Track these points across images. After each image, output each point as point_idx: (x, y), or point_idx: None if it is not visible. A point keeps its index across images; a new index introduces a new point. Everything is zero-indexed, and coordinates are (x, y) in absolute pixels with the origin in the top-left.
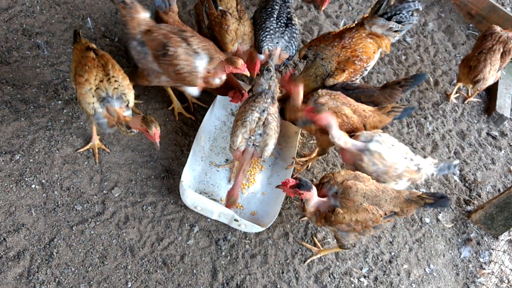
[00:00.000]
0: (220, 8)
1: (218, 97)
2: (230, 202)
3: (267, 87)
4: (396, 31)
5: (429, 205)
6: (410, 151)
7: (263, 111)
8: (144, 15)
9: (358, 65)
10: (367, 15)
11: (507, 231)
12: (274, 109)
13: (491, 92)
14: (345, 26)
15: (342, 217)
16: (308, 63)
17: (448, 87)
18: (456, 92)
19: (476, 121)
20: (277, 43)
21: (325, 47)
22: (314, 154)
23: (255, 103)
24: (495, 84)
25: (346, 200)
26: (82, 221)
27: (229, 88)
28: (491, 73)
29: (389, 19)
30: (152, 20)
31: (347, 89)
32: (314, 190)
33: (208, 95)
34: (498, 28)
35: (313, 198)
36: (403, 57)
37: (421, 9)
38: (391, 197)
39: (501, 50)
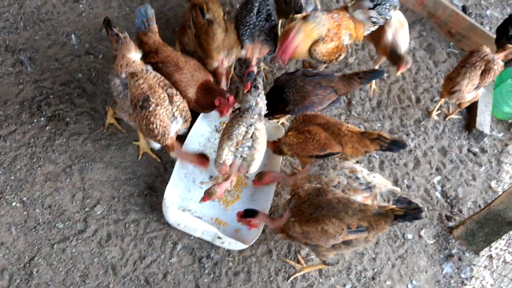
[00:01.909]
0: (207, 17)
1: (202, 114)
2: (208, 192)
3: (254, 104)
4: (373, 23)
5: (400, 218)
6: (361, 171)
7: (250, 125)
8: (135, 56)
9: (341, 42)
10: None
11: (488, 247)
12: (261, 125)
13: (471, 109)
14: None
15: (292, 225)
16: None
17: (429, 104)
18: (438, 109)
19: (457, 138)
20: (258, 36)
21: (316, 12)
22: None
23: (241, 118)
24: (475, 102)
25: (295, 211)
26: (64, 239)
27: (212, 100)
28: (468, 87)
29: (374, 6)
30: (142, 63)
31: (307, 75)
32: (261, 215)
33: (192, 113)
34: (487, 49)
35: (267, 222)
36: (385, 74)
37: (398, 7)
38: (354, 211)
39: (482, 67)
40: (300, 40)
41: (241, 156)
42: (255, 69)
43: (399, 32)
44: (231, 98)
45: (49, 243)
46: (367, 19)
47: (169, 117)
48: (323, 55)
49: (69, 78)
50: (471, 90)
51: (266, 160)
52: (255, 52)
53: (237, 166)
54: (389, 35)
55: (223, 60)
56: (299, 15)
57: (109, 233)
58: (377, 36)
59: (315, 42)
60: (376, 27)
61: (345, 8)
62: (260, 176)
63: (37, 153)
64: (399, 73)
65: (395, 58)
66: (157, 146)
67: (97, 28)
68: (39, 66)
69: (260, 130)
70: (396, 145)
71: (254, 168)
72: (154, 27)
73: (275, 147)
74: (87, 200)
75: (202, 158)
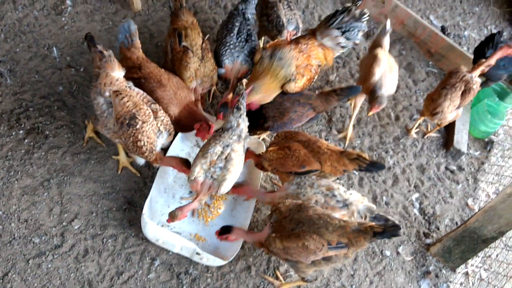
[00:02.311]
0: (183, 43)
1: None
2: (170, 215)
3: (235, 125)
4: (342, 47)
5: (379, 235)
6: (337, 188)
7: (227, 146)
8: (119, 74)
9: (313, 72)
10: (315, 28)
11: (464, 264)
12: (239, 147)
13: (449, 127)
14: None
15: (273, 241)
16: (260, 62)
17: (408, 122)
18: (417, 127)
19: (435, 156)
20: (237, 57)
21: (283, 49)
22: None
23: (220, 138)
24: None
25: (276, 226)
26: (39, 254)
27: (194, 122)
28: (449, 108)
29: (342, 33)
30: (124, 80)
31: (285, 93)
32: (238, 230)
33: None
34: (464, 69)
35: (243, 236)
36: None
37: (366, 30)
38: (334, 227)
39: (463, 88)
40: (256, 99)
41: (211, 177)
42: (228, 99)
43: (387, 74)
44: (213, 127)
45: (24, 258)
46: (336, 45)
47: (155, 132)
48: (297, 91)
49: (49, 91)
50: (452, 110)
51: (246, 175)
52: (234, 72)
53: (207, 185)
54: (376, 75)
55: (197, 88)
56: (267, 51)
57: (86, 248)
58: (365, 74)
59: (286, 83)
60: (346, 49)
61: (313, 34)
62: (238, 184)
63: (14, 166)
64: (371, 113)
65: (372, 97)
66: (141, 161)
67: (79, 41)
68: (19, 78)
69: (236, 151)
70: (374, 166)
71: (225, 188)
72: (137, 42)
73: (258, 161)
74: (64, 214)
75: (183, 165)
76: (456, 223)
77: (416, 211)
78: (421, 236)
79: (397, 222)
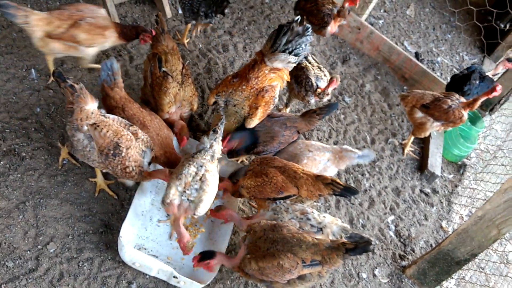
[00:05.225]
0: (163, 69)
1: None
2: (187, 248)
3: (208, 146)
4: (294, 63)
5: (351, 251)
6: (312, 212)
7: (201, 166)
8: (93, 106)
9: (267, 97)
10: (263, 49)
11: (439, 286)
12: (213, 167)
13: (424, 151)
14: (245, 64)
15: (249, 262)
16: (219, 110)
17: (383, 145)
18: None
19: (410, 179)
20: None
21: (235, 92)
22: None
23: (193, 159)
24: (427, 144)
25: (251, 247)
26: (13, 278)
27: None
28: (416, 97)
29: (289, 53)
30: (99, 112)
31: (272, 116)
32: (219, 255)
33: None
34: (462, 100)
35: (224, 261)
36: (342, 116)
37: (312, 40)
38: (308, 245)
39: (438, 96)
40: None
41: (188, 199)
42: None
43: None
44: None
45: None
46: (287, 64)
47: (140, 154)
48: (257, 123)
49: (27, 112)
50: (418, 102)
51: (225, 197)
52: None
53: (184, 208)
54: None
55: (177, 111)
56: (221, 97)
57: (62, 272)
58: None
59: (245, 122)
60: (297, 62)
61: (262, 59)
62: (218, 208)
63: None
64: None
65: None
66: (130, 183)
67: (58, 63)
68: None
69: (210, 171)
70: (348, 191)
71: (202, 209)
72: (120, 81)
73: (234, 190)
74: (40, 237)
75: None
76: (431, 245)
77: (391, 233)
78: (397, 258)
79: (371, 238)
